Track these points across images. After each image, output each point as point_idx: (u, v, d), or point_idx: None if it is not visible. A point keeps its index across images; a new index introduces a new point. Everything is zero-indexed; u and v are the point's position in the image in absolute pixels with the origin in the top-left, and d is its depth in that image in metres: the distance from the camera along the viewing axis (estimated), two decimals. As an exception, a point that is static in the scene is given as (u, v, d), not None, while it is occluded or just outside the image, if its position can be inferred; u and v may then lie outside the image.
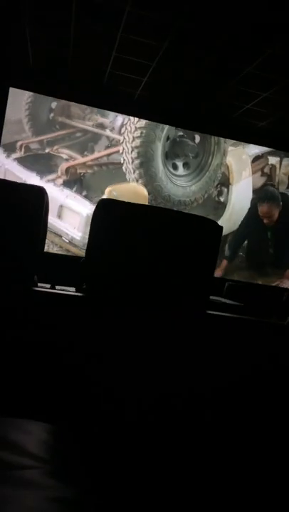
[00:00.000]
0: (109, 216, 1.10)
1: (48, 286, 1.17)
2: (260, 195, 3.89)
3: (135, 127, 3.28)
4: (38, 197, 1.05)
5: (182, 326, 1.15)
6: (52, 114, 3.80)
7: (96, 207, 1.09)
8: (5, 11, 1.08)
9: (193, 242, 1.14)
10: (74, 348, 1.08)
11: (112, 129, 3.76)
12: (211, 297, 1.21)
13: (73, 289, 1.17)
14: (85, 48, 1.18)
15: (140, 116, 2.39)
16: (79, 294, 1.13)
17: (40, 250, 1.11)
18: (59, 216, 3.05)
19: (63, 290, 1.15)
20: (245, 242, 3.89)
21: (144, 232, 1.12)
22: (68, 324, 1.08)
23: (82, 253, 3.10)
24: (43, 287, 1.13)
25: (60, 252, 3.07)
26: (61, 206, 3.10)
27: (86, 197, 3.33)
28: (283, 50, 1.06)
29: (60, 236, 2.98)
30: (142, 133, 3.16)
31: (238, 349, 1.17)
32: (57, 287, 1.17)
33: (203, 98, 1.44)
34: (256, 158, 3.75)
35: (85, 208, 3.07)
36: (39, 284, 1.13)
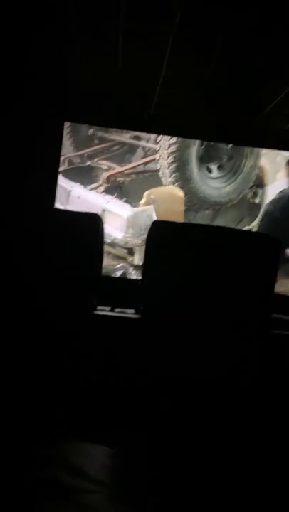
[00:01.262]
0: (163, 237, 1.09)
1: (108, 309, 1.17)
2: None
3: (170, 135, 3.45)
4: (94, 224, 1.07)
5: (243, 346, 1.10)
6: (91, 130, 4.06)
7: (150, 229, 1.09)
8: (57, 50, 1.20)
9: (251, 259, 1.10)
10: (133, 371, 1.07)
11: (148, 140, 3.95)
12: (276, 315, 1.16)
13: (132, 310, 1.17)
14: (132, 73, 1.27)
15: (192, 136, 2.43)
16: (136, 316, 1.12)
17: (98, 274, 1.12)
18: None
19: (122, 312, 1.15)
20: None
21: (199, 252, 1.10)
22: (127, 346, 1.08)
23: (121, 254, 3.26)
24: (103, 310, 1.14)
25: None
26: (103, 210, 3.28)
27: (126, 202, 3.51)
28: None
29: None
30: (177, 139, 3.33)
31: None
32: (116, 310, 1.17)
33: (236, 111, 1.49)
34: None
35: (126, 211, 3.24)
36: (99, 307, 1.14)
